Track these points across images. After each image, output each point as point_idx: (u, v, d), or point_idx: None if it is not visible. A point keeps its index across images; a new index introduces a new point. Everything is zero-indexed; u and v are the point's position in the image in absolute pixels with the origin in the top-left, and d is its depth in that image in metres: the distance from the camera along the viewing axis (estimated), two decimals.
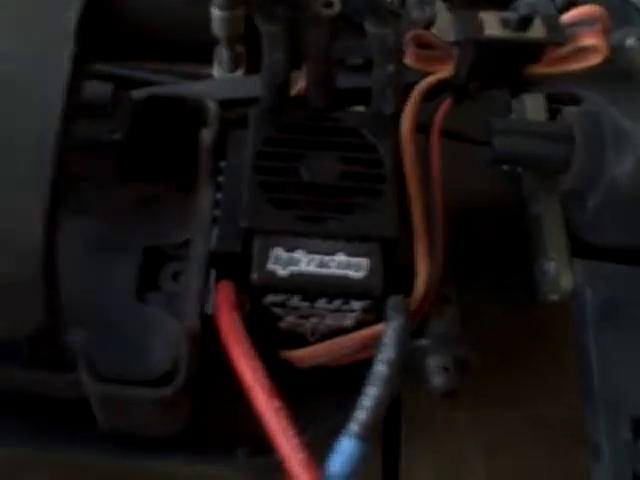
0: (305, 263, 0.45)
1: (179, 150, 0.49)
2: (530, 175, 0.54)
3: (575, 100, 0.53)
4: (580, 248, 0.51)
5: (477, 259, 0.52)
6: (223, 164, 0.49)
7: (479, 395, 0.49)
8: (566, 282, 0.49)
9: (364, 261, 0.45)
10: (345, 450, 0.41)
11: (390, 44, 0.48)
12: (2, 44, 0.41)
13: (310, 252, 0.45)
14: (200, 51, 0.56)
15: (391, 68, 0.48)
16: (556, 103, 0.55)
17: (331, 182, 0.47)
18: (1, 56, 0.41)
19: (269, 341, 0.46)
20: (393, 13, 0.49)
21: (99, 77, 0.48)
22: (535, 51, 0.49)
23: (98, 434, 0.45)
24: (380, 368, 0.43)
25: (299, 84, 0.50)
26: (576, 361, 0.49)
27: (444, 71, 0.50)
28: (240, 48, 0.55)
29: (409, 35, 0.50)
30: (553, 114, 0.55)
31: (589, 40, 0.48)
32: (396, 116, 0.50)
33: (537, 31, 0.48)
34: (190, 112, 0.49)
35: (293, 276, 0.44)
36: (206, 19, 0.53)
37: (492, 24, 0.48)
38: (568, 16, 0.49)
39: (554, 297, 0.50)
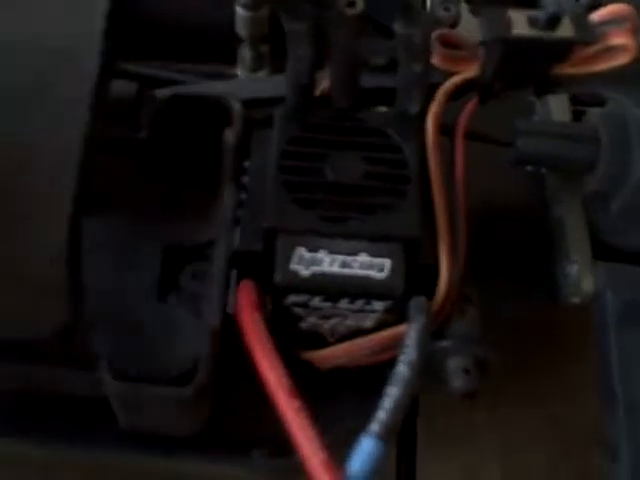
0: (328, 263, 0.45)
1: (202, 149, 0.49)
2: (553, 177, 0.53)
3: (599, 102, 0.52)
4: (603, 251, 0.51)
5: (499, 260, 0.52)
6: (247, 164, 0.49)
7: (497, 395, 0.49)
8: (587, 285, 0.49)
9: (386, 261, 0.45)
10: (365, 450, 0.41)
11: (418, 44, 0.47)
12: (33, 37, 0.42)
13: (333, 252, 0.45)
14: (224, 51, 0.56)
15: (418, 68, 0.48)
16: (579, 105, 0.55)
17: (355, 182, 0.47)
18: (32, 49, 0.41)
19: (290, 342, 0.47)
20: (421, 12, 0.49)
21: (124, 76, 0.48)
22: (563, 50, 0.48)
23: (117, 433, 0.45)
24: (402, 369, 0.43)
25: (323, 84, 0.50)
26: (595, 363, 0.49)
27: (469, 71, 0.50)
28: (264, 48, 0.55)
29: (435, 35, 0.50)
30: (576, 116, 0.54)
31: (618, 39, 0.47)
32: (421, 116, 0.49)
33: (566, 30, 0.47)
34: (214, 111, 0.49)
35: (315, 276, 0.44)
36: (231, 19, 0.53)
37: (520, 23, 0.47)
38: (597, 15, 0.48)
39: (575, 300, 0.50)
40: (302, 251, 0.45)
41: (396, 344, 0.45)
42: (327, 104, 0.50)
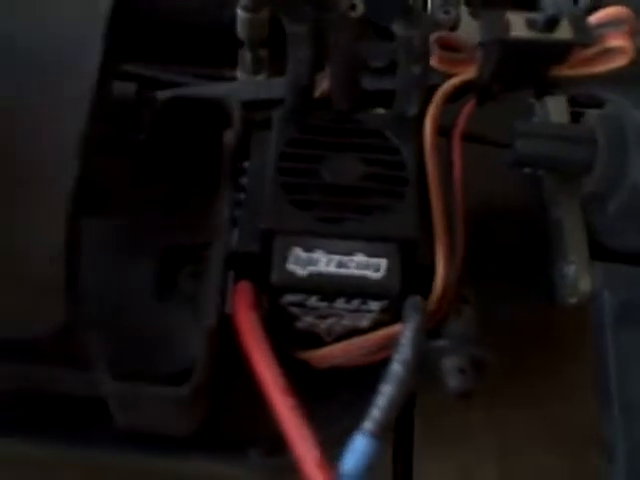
0: (324, 263, 0.45)
1: (202, 151, 0.49)
2: (551, 178, 0.53)
3: (597, 103, 0.53)
4: (600, 252, 0.51)
5: (497, 261, 0.52)
6: (246, 165, 0.49)
7: (494, 395, 0.50)
8: (585, 285, 0.49)
9: (383, 262, 0.45)
10: (358, 448, 0.42)
11: (417, 46, 0.48)
12: (34, 36, 0.42)
13: (329, 252, 0.45)
14: (226, 54, 0.56)
15: (417, 70, 0.48)
16: (578, 107, 0.55)
17: (353, 183, 0.47)
18: (33, 47, 0.42)
19: (286, 341, 0.47)
20: (421, 15, 0.49)
21: (124, 77, 0.49)
22: (561, 52, 0.49)
23: (115, 433, 0.45)
24: (396, 368, 0.43)
25: (323, 86, 0.50)
26: (593, 363, 0.49)
27: (467, 73, 0.50)
28: (264, 51, 0.56)
29: (434, 37, 0.50)
30: (575, 117, 0.54)
31: (615, 41, 0.48)
32: (419, 118, 0.50)
33: (564, 32, 0.48)
34: (214, 113, 0.49)
35: (312, 276, 0.45)
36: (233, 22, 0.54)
37: (518, 25, 0.48)
38: (595, 17, 0.49)
39: (573, 300, 0.50)
40: (299, 251, 0.45)
41: (392, 344, 0.45)
42: (327, 106, 0.50)
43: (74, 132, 0.40)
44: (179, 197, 0.49)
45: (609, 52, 0.48)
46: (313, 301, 0.46)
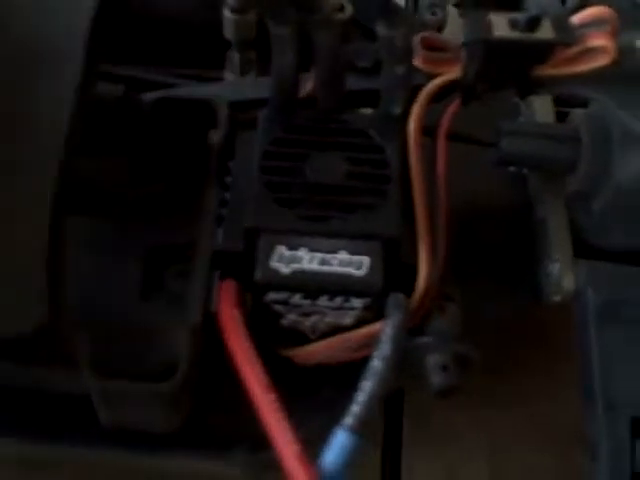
0: (307, 261, 0.46)
1: (188, 151, 0.50)
2: (536, 177, 0.54)
3: (583, 103, 0.53)
4: (585, 250, 0.51)
5: (483, 260, 0.52)
6: (231, 164, 0.50)
7: (481, 395, 0.50)
8: (568, 283, 0.49)
9: (365, 259, 0.46)
10: (338, 442, 0.42)
11: (400, 45, 0.48)
12: (17, 35, 0.43)
13: (312, 250, 0.46)
14: (213, 56, 0.57)
15: (401, 70, 0.49)
16: (564, 106, 0.55)
17: (336, 182, 0.48)
18: (15, 47, 0.42)
19: (271, 339, 0.48)
20: (403, 15, 0.50)
21: (111, 79, 0.49)
22: (544, 52, 0.49)
23: (99, 430, 0.46)
24: (376, 363, 0.44)
25: (308, 86, 0.51)
26: (578, 361, 0.49)
27: (452, 73, 0.50)
28: (251, 53, 0.56)
29: (418, 37, 0.50)
30: (561, 117, 0.55)
31: (597, 41, 0.48)
32: (404, 117, 0.50)
33: (546, 32, 0.48)
34: (200, 114, 0.50)
35: (295, 274, 0.45)
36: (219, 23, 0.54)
37: (501, 25, 0.48)
38: (577, 17, 0.49)
39: (557, 298, 0.50)
40: (282, 249, 0.46)
41: (375, 341, 0.45)
42: (311, 105, 0.51)
43: (56, 132, 0.41)
44: (164, 197, 0.49)
45: (591, 52, 0.49)
46: (296, 299, 0.46)
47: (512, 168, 0.54)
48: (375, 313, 0.46)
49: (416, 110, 0.50)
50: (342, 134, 0.49)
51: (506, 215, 0.54)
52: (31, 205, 0.40)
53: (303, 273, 0.45)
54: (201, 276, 0.46)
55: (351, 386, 0.44)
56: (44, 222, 0.39)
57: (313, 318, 0.47)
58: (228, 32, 0.54)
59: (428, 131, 0.51)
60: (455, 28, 0.55)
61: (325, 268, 0.45)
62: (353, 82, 0.51)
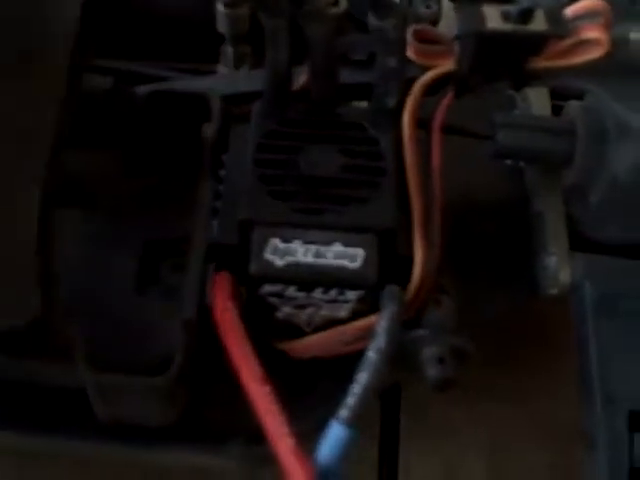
0: (302, 253, 0.45)
1: (182, 144, 0.50)
2: (532, 170, 0.53)
3: (579, 96, 0.53)
4: (582, 243, 0.51)
5: (479, 253, 0.52)
6: (225, 157, 0.50)
7: (479, 390, 0.50)
8: (565, 276, 0.49)
9: (360, 251, 0.45)
10: (333, 435, 0.42)
11: (391, 37, 0.48)
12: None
13: (307, 242, 0.45)
14: (207, 50, 0.57)
15: (393, 62, 0.49)
16: (560, 99, 0.55)
17: (331, 175, 0.48)
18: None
19: (266, 332, 0.47)
20: (395, 6, 0.50)
21: (105, 72, 0.49)
22: (537, 44, 0.49)
23: (95, 424, 0.45)
24: (371, 355, 0.43)
25: (301, 79, 0.51)
26: (575, 355, 0.49)
27: (445, 65, 0.50)
28: (245, 47, 0.56)
29: (411, 30, 0.50)
30: (557, 110, 0.55)
31: (591, 33, 0.48)
32: (398, 110, 0.50)
33: (539, 24, 0.48)
34: (193, 107, 0.49)
35: (289, 266, 0.45)
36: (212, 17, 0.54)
37: (494, 17, 0.48)
38: (570, 9, 0.49)
39: (554, 291, 0.50)
40: (276, 242, 0.45)
41: (371, 334, 0.45)
42: (305, 98, 0.50)
43: (45, 124, 0.40)
44: (158, 190, 0.49)
45: (585, 44, 0.48)
46: (291, 291, 0.46)
47: (509, 161, 0.54)
48: (370, 306, 0.46)
49: (410, 102, 0.50)
50: (336, 127, 0.49)
51: (502, 208, 0.54)
52: (19, 197, 0.40)
53: (297, 265, 0.45)
54: (196, 269, 0.45)
55: (347, 379, 0.44)
56: (33, 214, 0.39)
57: (308, 311, 0.47)
58: (221, 26, 0.54)
59: (422, 124, 0.50)
60: (450, 21, 0.55)
61: (320, 260, 0.45)
62: (347, 75, 0.51)
